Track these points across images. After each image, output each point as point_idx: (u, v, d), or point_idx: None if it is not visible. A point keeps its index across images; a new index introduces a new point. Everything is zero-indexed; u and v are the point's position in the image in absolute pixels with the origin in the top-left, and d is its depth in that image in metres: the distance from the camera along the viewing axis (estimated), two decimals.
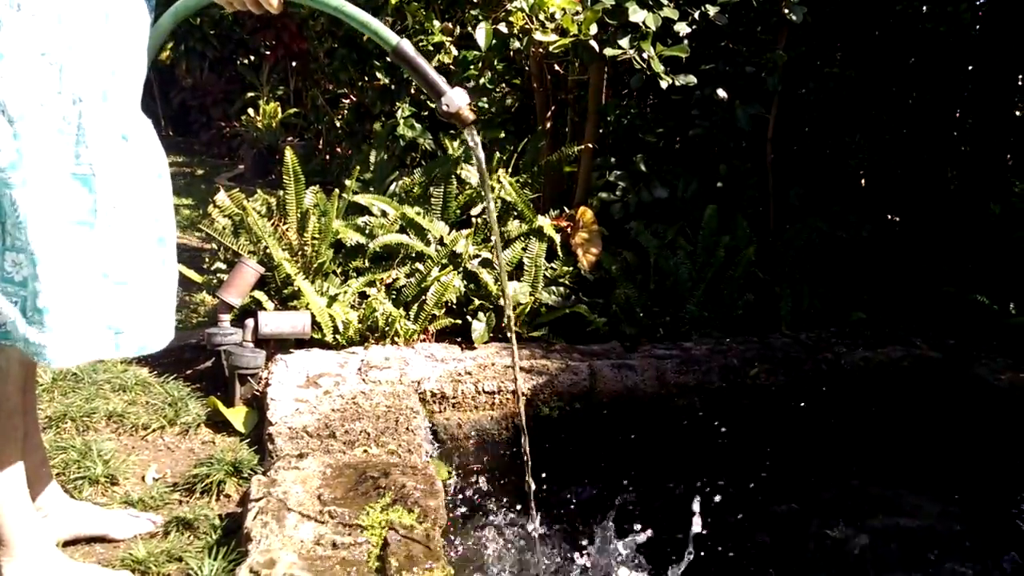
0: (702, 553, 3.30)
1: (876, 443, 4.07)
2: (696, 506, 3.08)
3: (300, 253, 4.37)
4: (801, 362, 4.37)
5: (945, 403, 4.28)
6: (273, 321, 3.96)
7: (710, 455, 4.01)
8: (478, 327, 4.36)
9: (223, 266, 4.57)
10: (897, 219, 5.75)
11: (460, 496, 3.59)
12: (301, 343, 4.15)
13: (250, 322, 3.97)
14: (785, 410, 4.23)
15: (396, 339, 4.25)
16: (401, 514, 2.78)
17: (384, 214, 4.78)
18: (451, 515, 3.01)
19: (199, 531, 2.89)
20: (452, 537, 3.26)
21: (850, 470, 3.81)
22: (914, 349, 4.53)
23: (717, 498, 3.68)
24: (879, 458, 3.93)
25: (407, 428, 3.45)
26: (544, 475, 3.84)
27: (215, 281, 4.49)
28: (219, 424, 3.72)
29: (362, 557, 2.56)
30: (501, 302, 4.48)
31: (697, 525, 3.05)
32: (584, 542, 3.33)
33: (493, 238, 4.05)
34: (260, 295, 4.17)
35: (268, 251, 4.28)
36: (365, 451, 3.23)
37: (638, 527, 3.43)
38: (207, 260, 4.96)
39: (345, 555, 2.56)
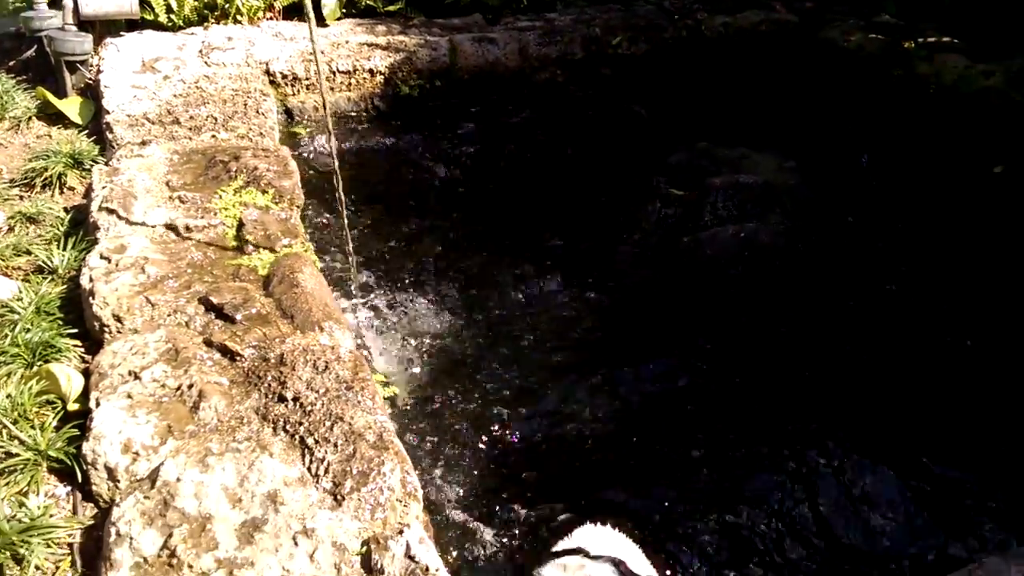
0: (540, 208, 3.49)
1: (728, 108, 4.19)
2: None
3: None
4: (663, 29, 4.33)
5: (797, 66, 4.39)
6: None
7: (563, 125, 4.04)
8: (329, 1, 4.06)
9: None
10: None
11: (316, 179, 3.57)
12: (132, 25, 3.79)
13: (68, 2, 3.55)
14: (645, 78, 4.26)
15: (239, 17, 3.93)
16: (255, 195, 2.76)
17: None
18: (308, 197, 3.00)
19: (45, 224, 2.80)
20: (310, 215, 3.29)
21: (701, 133, 3.95)
22: (772, 13, 4.53)
23: (564, 166, 3.80)
24: (729, 122, 4.07)
25: (257, 111, 3.31)
26: (405, 154, 3.85)
27: None
28: (53, 117, 3.47)
29: (218, 238, 2.56)
30: None
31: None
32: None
33: None
34: None
35: None
36: (213, 136, 3.11)
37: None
38: None
39: (200, 237, 2.55)
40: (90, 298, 2.25)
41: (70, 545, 1.77)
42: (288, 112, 3.70)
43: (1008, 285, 3.12)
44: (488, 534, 2.22)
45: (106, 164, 2.94)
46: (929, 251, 3.33)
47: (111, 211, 2.59)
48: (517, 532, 2.24)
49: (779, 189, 3.46)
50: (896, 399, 2.69)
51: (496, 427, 2.56)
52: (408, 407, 2.60)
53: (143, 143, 3.01)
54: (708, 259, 3.13)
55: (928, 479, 2.40)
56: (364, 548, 1.67)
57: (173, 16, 3.81)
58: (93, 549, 1.74)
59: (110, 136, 3.09)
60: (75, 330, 2.29)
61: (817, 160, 3.79)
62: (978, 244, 3.34)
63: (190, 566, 1.59)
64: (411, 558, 1.64)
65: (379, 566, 1.62)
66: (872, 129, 3.98)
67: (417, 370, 2.77)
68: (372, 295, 3.03)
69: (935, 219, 3.47)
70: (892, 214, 3.54)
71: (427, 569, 1.63)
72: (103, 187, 2.70)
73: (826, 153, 3.86)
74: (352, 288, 3.02)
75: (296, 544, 1.65)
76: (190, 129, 3.13)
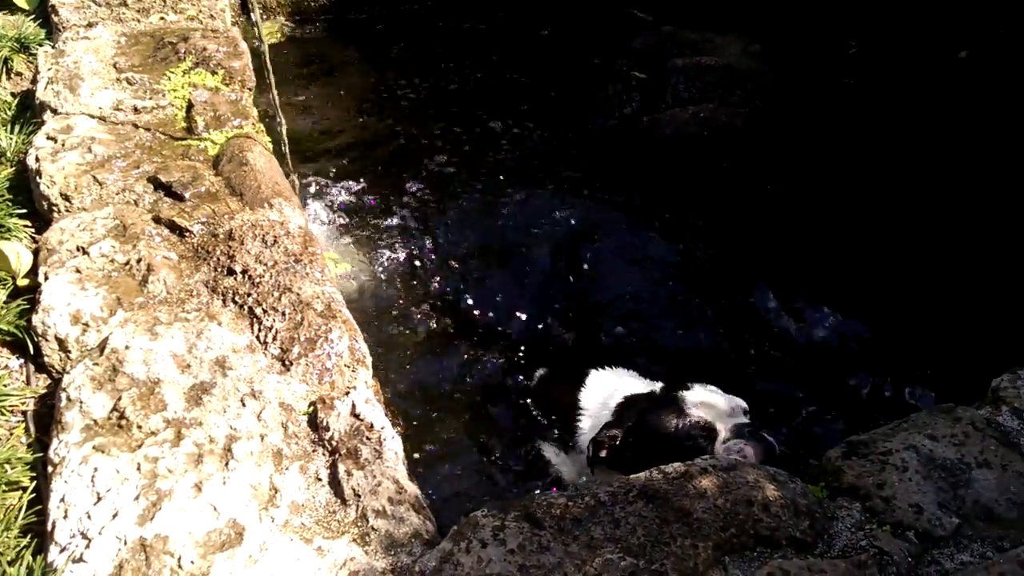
0: None
1: None
2: None
3: None
4: None
5: None
6: None
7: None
8: None
9: None
10: None
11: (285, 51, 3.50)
12: None
13: None
14: None
15: None
16: (204, 77, 2.71)
17: None
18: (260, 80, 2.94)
19: None
20: (260, 96, 3.25)
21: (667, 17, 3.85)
22: None
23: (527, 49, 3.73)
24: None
25: None
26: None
27: None
28: None
29: (167, 119, 2.53)
30: None
31: None
32: None
33: None
34: None
35: None
36: (162, 18, 3.03)
37: None
38: None
39: (148, 118, 2.51)
40: (37, 177, 2.23)
41: (24, 413, 1.81)
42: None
43: (962, 169, 3.12)
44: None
45: (52, 47, 2.87)
46: (887, 136, 3.29)
47: (57, 93, 2.54)
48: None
49: (741, 72, 3.41)
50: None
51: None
52: None
53: (89, 25, 2.93)
54: (666, 138, 3.11)
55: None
56: (311, 408, 1.72)
57: None
58: (47, 416, 1.78)
59: (56, 19, 3.00)
60: (24, 211, 2.27)
61: (781, 43, 3.71)
62: (939, 131, 3.30)
63: (139, 426, 1.63)
64: (356, 416, 1.69)
65: (324, 423, 1.67)
66: (838, 11, 3.86)
67: None
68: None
69: (896, 103, 3.42)
70: (854, 99, 3.49)
71: (372, 426, 1.68)
72: (49, 69, 2.64)
73: (790, 36, 3.77)
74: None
75: (244, 405, 1.69)
76: (138, 11, 3.03)
